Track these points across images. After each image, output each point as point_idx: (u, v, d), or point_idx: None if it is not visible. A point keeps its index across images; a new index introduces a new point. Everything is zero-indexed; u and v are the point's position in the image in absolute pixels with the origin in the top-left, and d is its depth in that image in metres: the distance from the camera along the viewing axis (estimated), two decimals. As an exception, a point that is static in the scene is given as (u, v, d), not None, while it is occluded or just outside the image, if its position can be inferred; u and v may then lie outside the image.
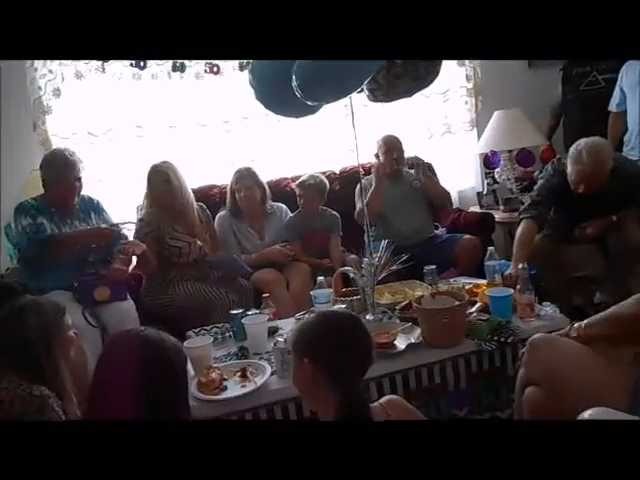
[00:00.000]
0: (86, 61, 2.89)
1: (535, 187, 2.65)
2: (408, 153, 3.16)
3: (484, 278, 2.25)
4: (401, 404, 1.24)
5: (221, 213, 2.86)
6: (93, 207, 2.55)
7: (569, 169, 2.41)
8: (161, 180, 2.56)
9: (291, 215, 2.92)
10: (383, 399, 1.25)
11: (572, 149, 2.41)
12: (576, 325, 1.45)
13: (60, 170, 2.36)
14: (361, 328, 1.16)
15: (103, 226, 2.46)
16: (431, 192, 2.99)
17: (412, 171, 3.06)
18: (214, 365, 1.77)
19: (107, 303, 2.35)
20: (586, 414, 0.94)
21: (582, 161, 2.33)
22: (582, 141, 2.39)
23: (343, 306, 2.01)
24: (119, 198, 3.00)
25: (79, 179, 2.41)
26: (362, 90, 1.94)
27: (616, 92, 2.98)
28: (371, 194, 2.83)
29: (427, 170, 2.99)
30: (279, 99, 1.92)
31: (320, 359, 1.10)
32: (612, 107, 3.02)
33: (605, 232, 2.52)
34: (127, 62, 2.95)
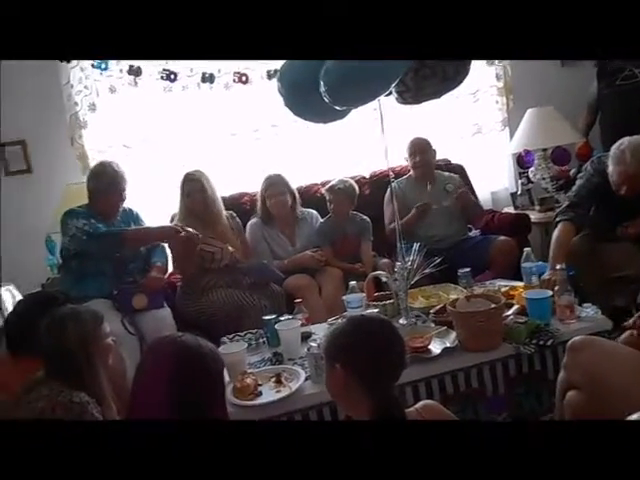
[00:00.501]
0: (119, 75, 2.98)
1: (573, 187, 2.56)
2: (440, 155, 3.13)
3: (521, 280, 2.20)
4: (437, 409, 1.22)
5: (252, 221, 2.88)
6: (133, 218, 2.62)
7: (610, 169, 2.31)
8: (194, 188, 2.62)
9: (321, 220, 2.93)
10: (419, 404, 1.23)
11: (614, 149, 2.30)
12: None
13: (108, 181, 2.45)
14: (393, 332, 1.15)
15: (168, 225, 2.59)
16: (466, 209, 2.94)
17: (446, 174, 3.02)
18: (249, 371, 1.78)
19: (145, 311, 2.40)
20: (633, 417, 0.90)
21: (625, 162, 2.24)
22: (625, 140, 2.29)
23: (376, 310, 1.99)
24: (155, 208, 3.06)
25: (121, 192, 2.49)
26: (390, 93, 1.93)
27: None
28: (406, 222, 2.75)
29: (463, 185, 2.96)
30: (308, 105, 1.92)
31: (352, 364, 1.09)
32: None
33: None
34: (158, 75, 3.02)
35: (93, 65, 2.96)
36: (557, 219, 2.47)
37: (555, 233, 2.41)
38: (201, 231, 2.59)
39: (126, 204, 2.64)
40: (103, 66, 2.97)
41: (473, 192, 3.19)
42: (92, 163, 2.88)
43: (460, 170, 3.24)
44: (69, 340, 1.34)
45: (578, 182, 2.53)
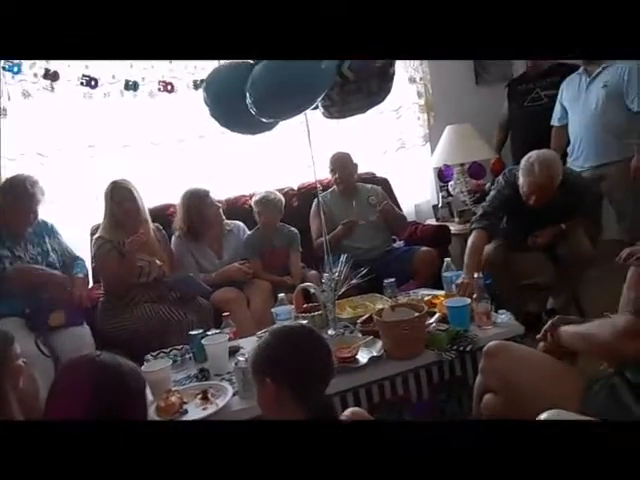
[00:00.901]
0: (34, 79, 2.82)
1: (487, 198, 2.71)
2: (365, 169, 3.22)
3: (442, 289, 2.29)
4: (364, 416, 1.24)
5: (176, 234, 2.80)
6: (47, 230, 2.50)
7: (521, 181, 2.45)
8: (124, 197, 2.52)
9: (249, 233, 2.90)
10: (347, 411, 1.25)
11: (524, 161, 2.44)
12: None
13: (16, 201, 2.31)
14: (318, 340, 1.17)
15: (57, 274, 2.38)
16: (389, 219, 3.00)
17: (369, 186, 3.10)
18: (174, 388, 1.72)
19: (61, 329, 2.28)
20: (542, 416, 0.96)
21: (534, 173, 2.37)
22: (533, 153, 2.43)
23: (305, 322, 2.00)
24: (71, 219, 2.91)
25: (35, 211, 2.37)
26: (317, 107, 1.96)
27: (557, 107, 3.13)
28: (333, 237, 2.78)
29: (386, 197, 3.03)
30: (234, 116, 1.91)
31: (282, 377, 1.09)
32: (554, 121, 3.16)
33: (555, 240, 2.61)
34: (77, 81, 2.89)
35: (4, 68, 2.78)
36: (472, 227, 2.59)
37: (470, 240, 2.52)
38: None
39: (41, 215, 2.51)
40: (15, 69, 2.80)
41: (397, 204, 3.30)
42: (3, 172, 2.69)
43: (385, 183, 3.34)
44: None
45: (491, 193, 2.68)
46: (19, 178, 2.41)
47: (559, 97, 3.11)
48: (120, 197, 2.52)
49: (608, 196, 2.97)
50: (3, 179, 2.54)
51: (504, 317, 1.99)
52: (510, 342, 1.55)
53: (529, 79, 3.38)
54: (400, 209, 3.29)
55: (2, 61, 2.76)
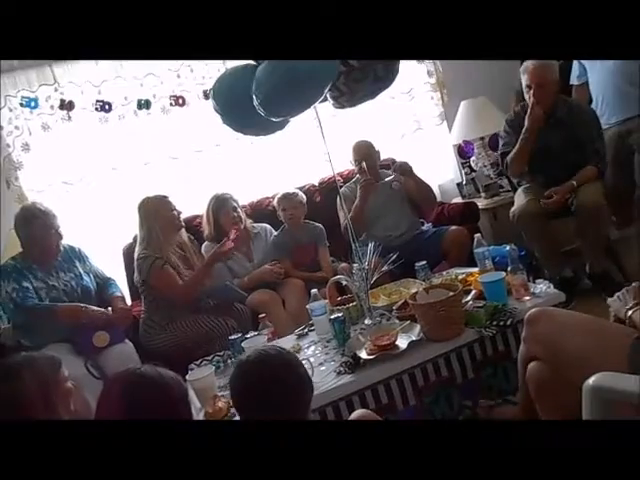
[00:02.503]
0: (50, 111, 2.90)
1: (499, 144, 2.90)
2: (384, 155, 3.19)
3: (476, 266, 2.26)
4: (370, 418, 1.22)
5: (206, 243, 2.84)
6: (75, 255, 2.53)
7: (523, 82, 2.71)
8: (169, 209, 2.55)
9: (275, 233, 2.92)
10: (353, 416, 1.23)
11: (521, 68, 2.74)
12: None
13: (33, 228, 2.33)
14: (277, 364, 1.08)
15: (102, 310, 2.39)
16: (415, 193, 2.96)
17: (389, 172, 3.07)
18: (220, 394, 1.75)
19: (107, 347, 2.33)
20: (590, 381, 0.94)
21: (528, 67, 2.66)
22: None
23: (340, 315, 2.00)
24: (101, 242, 2.99)
25: (55, 232, 2.38)
26: (326, 99, 1.96)
27: (575, 65, 3.04)
28: (354, 210, 2.81)
29: (406, 170, 2.96)
30: (245, 120, 1.92)
31: (245, 412, 1.08)
32: (573, 80, 3.07)
33: (569, 195, 2.60)
34: (92, 107, 2.96)
35: (22, 104, 2.87)
36: (505, 160, 2.80)
37: (510, 156, 2.74)
38: (172, 254, 2.54)
39: (71, 240, 2.57)
40: (32, 104, 2.89)
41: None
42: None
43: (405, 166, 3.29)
44: (26, 390, 1.28)
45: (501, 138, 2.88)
46: (27, 206, 2.45)
47: None
48: (164, 209, 2.54)
49: (639, 150, 2.87)
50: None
51: (542, 287, 1.95)
52: (552, 308, 1.51)
53: None
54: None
55: (19, 97, 2.85)
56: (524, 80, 2.72)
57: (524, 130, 2.67)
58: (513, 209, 2.68)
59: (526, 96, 2.74)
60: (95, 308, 2.38)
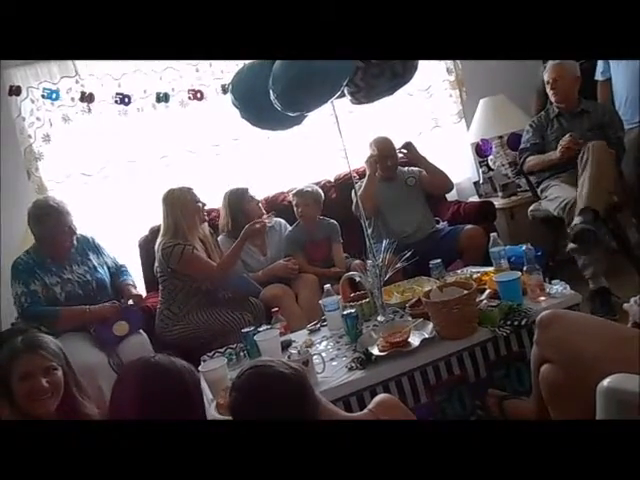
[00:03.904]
0: (71, 103, 2.93)
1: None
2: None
3: (491, 266, 2.24)
4: (391, 403, 1.20)
5: (221, 236, 2.86)
6: (89, 246, 2.54)
7: (545, 79, 2.85)
8: (194, 201, 2.56)
9: (290, 228, 2.93)
10: (373, 402, 1.20)
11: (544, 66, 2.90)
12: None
13: (45, 225, 2.33)
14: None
15: (107, 305, 2.38)
16: (428, 182, 2.96)
17: (405, 169, 3.06)
18: (231, 386, 1.76)
19: (128, 336, 2.36)
20: (605, 382, 0.93)
21: (552, 65, 2.80)
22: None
23: (352, 311, 2.00)
24: (117, 234, 3.02)
25: (68, 228, 2.37)
26: (343, 95, 1.95)
27: (599, 61, 3.00)
28: (363, 189, 2.84)
29: (410, 147, 2.97)
30: (263, 115, 1.93)
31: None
32: (598, 76, 3.05)
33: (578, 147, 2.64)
34: (112, 100, 2.99)
35: (43, 96, 2.91)
36: (523, 157, 2.94)
37: (529, 162, 2.89)
38: (196, 244, 2.54)
39: (87, 231, 2.58)
40: (54, 96, 2.92)
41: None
42: (50, 194, 2.82)
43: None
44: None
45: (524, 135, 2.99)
46: (40, 201, 2.44)
47: None
48: (190, 199, 2.55)
49: None
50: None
51: (558, 287, 1.92)
52: (564, 310, 1.49)
53: None
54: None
55: (41, 89, 2.89)
56: (547, 76, 2.83)
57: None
58: (563, 199, 2.62)
59: (549, 92, 2.85)
60: (100, 305, 2.37)
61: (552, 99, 2.86)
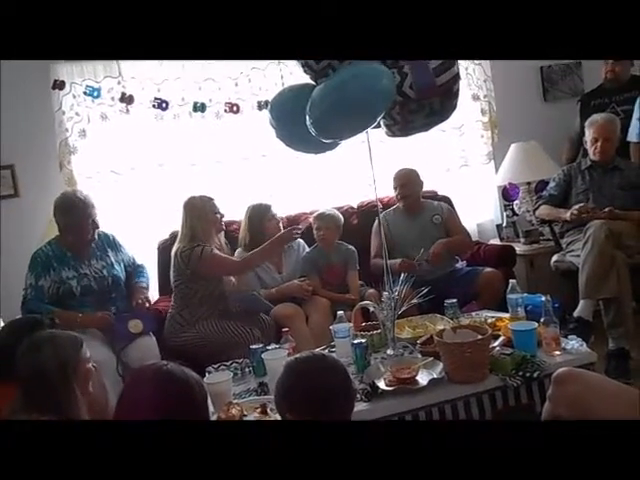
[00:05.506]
0: (111, 102, 3.00)
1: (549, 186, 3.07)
2: (427, 187, 3.17)
3: (506, 312, 2.21)
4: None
5: (239, 249, 2.87)
6: (109, 243, 2.57)
7: (587, 135, 2.89)
8: (213, 211, 2.60)
9: (308, 250, 2.93)
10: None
11: (588, 121, 2.92)
12: None
13: (71, 216, 2.37)
14: (329, 364, 1.15)
15: (98, 314, 2.37)
16: (452, 235, 2.95)
17: (435, 203, 3.06)
18: (234, 401, 1.75)
19: (142, 335, 2.38)
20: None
21: (597, 121, 2.84)
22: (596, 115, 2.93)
23: (363, 340, 1.98)
24: (139, 234, 3.06)
25: (92, 221, 2.41)
26: (379, 126, 1.97)
27: (634, 123, 2.99)
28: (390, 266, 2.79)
29: (452, 213, 3.02)
30: (298, 137, 1.95)
31: (298, 409, 1.09)
32: (632, 137, 3.03)
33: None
34: (150, 104, 3.06)
35: (85, 93, 2.98)
36: (538, 203, 3.07)
37: (541, 210, 3.01)
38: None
39: (111, 229, 2.62)
40: (95, 94, 3.00)
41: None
42: (79, 188, 2.87)
43: (447, 202, 3.28)
44: (46, 364, 1.31)
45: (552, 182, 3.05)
46: (68, 193, 2.49)
47: (636, 113, 2.98)
48: (211, 208, 2.59)
49: None
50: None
51: (574, 343, 1.89)
52: (582, 369, 1.46)
53: (605, 93, 3.26)
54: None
55: (84, 86, 2.97)
56: (590, 133, 2.87)
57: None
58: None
59: (590, 148, 2.90)
60: (91, 315, 2.36)
61: (592, 156, 2.89)
